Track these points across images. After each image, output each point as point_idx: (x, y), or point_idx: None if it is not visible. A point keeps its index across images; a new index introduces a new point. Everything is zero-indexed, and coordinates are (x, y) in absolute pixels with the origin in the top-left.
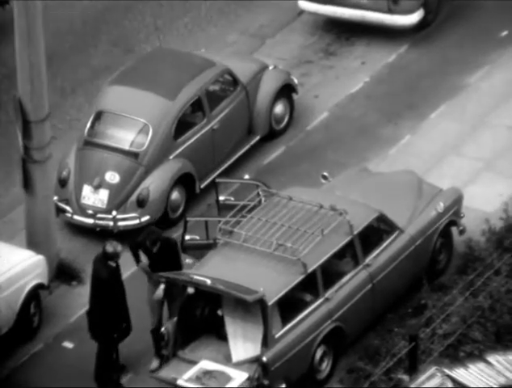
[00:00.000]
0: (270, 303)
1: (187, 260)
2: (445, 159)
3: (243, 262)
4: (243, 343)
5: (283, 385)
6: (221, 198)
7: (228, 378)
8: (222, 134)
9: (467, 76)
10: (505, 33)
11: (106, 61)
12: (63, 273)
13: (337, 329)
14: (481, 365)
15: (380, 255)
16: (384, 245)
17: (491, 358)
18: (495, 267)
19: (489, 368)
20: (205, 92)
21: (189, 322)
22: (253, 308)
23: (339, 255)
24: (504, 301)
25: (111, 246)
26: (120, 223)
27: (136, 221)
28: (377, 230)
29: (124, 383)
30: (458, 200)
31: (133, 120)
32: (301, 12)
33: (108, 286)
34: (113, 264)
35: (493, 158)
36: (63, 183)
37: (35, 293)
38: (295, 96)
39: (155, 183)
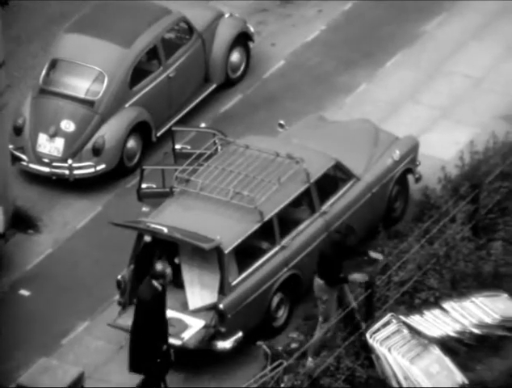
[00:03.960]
0: (226, 251)
1: (144, 209)
2: (401, 107)
3: (200, 210)
4: (200, 291)
5: (240, 334)
6: (178, 146)
7: (185, 326)
8: (178, 82)
9: (423, 24)
10: None
11: (61, 9)
12: (19, 221)
13: (293, 276)
14: (437, 312)
15: (337, 203)
16: (341, 193)
17: (446, 305)
18: (450, 215)
19: (445, 314)
20: (161, 40)
21: (146, 270)
22: (209, 256)
23: (296, 203)
24: (459, 248)
25: (160, 265)
26: (76, 171)
27: (92, 170)
28: (333, 178)
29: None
30: (414, 148)
31: (88, 68)
32: None
33: (151, 308)
34: (158, 285)
35: (449, 105)
36: (18, 131)
37: None
38: (251, 44)
39: (111, 131)
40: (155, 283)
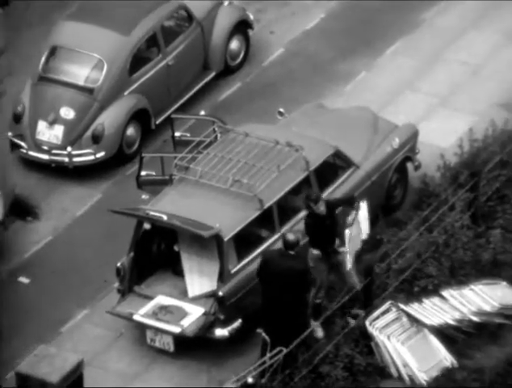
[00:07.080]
0: (226, 239)
1: (143, 196)
2: (400, 95)
3: (199, 198)
4: (199, 279)
5: (239, 321)
6: (177, 134)
7: (184, 313)
8: (177, 70)
9: (423, 12)
10: None
11: None
12: (18, 209)
13: None
14: (436, 300)
15: (336, 191)
16: (340, 181)
17: (445, 293)
18: (449, 203)
19: (443, 302)
20: (160, 28)
21: (145, 258)
22: (209, 244)
23: (295, 190)
24: (458, 236)
25: (292, 235)
26: (75, 159)
27: (92, 157)
28: (333, 166)
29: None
30: (413, 136)
31: (88, 56)
32: None
33: (307, 274)
34: (293, 253)
35: (448, 93)
36: (18, 118)
37: None
38: (250, 32)
39: (110, 118)
40: (292, 252)
